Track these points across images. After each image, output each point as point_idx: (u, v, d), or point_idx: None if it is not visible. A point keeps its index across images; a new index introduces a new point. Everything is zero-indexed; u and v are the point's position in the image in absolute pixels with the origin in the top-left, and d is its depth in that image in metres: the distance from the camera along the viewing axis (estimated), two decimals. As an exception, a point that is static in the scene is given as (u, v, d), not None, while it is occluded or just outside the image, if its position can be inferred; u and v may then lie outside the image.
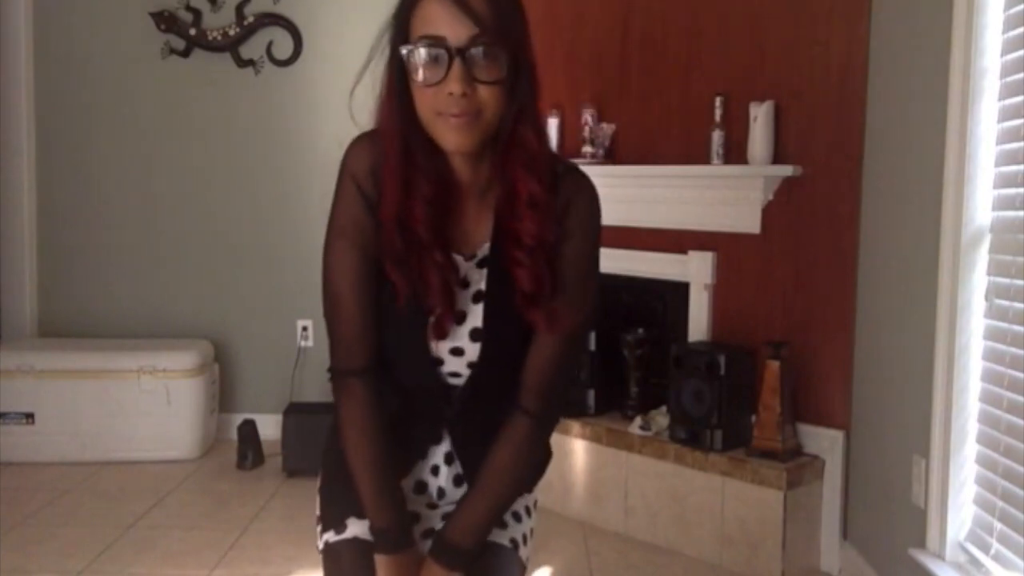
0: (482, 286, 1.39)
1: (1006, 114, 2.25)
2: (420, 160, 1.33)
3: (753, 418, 3.18)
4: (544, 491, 3.90)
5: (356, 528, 1.46)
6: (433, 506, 1.50)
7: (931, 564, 2.38)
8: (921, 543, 2.48)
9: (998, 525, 2.22)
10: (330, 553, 1.47)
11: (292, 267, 4.55)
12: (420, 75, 1.26)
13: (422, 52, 1.25)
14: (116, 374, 4.11)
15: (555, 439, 3.92)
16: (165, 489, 3.83)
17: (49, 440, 4.08)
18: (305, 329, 4.55)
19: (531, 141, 1.32)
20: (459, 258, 1.39)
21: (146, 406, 4.12)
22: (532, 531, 1.57)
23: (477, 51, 1.24)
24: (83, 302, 4.56)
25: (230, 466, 4.12)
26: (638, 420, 3.44)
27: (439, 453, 1.47)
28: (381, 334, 1.41)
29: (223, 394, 4.52)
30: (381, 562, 1.39)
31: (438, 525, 1.46)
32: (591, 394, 3.61)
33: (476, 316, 1.39)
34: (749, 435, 3.16)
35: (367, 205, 1.37)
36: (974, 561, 2.32)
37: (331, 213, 1.41)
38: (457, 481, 1.48)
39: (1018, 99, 2.18)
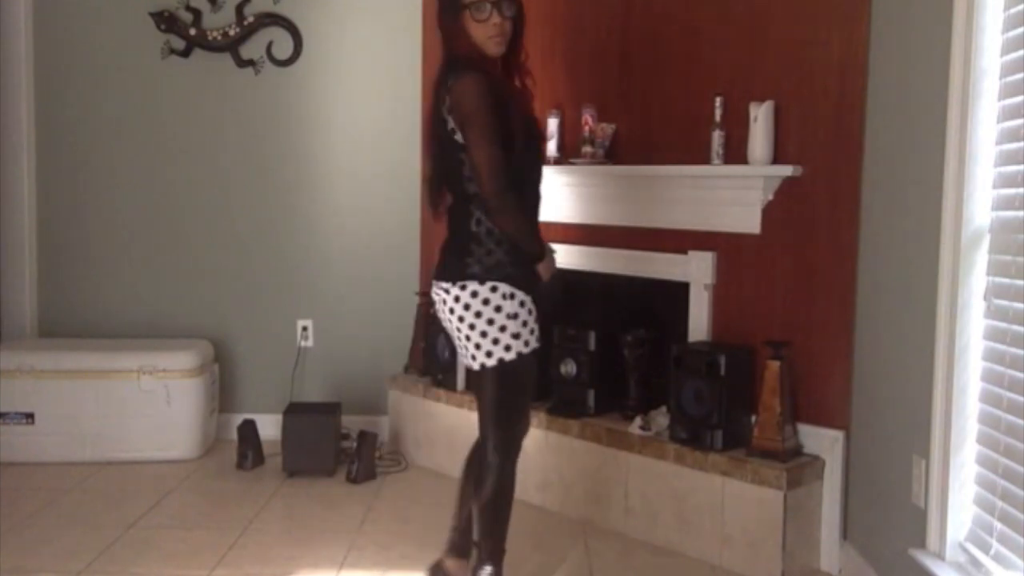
0: None
1: (1006, 114, 2.25)
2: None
3: (753, 418, 3.18)
4: (544, 491, 3.88)
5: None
6: None
7: (931, 564, 2.38)
8: (921, 543, 2.48)
9: (998, 525, 2.22)
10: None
11: (292, 267, 4.55)
12: (480, 15, 2.46)
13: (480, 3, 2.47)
14: (116, 374, 4.11)
15: (555, 438, 3.87)
16: (165, 489, 3.83)
17: (49, 440, 4.08)
18: (305, 329, 4.55)
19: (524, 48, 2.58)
20: None
21: (146, 406, 4.12)
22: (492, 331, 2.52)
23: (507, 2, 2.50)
24: (83, 302, 4.56)
25: (230, 466, 4.12)
26: (638, 420, 3.43)
27: None
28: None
29: (223, 394, 4.52)
30: (546, 262, 2.62)
31: None
32: (591, 394, 3.61)
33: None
34: (749, 435, 3.16)
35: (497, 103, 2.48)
36: (974, 561, 2.32)
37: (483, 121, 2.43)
38: None
39: (1018, 99, 2.18)
